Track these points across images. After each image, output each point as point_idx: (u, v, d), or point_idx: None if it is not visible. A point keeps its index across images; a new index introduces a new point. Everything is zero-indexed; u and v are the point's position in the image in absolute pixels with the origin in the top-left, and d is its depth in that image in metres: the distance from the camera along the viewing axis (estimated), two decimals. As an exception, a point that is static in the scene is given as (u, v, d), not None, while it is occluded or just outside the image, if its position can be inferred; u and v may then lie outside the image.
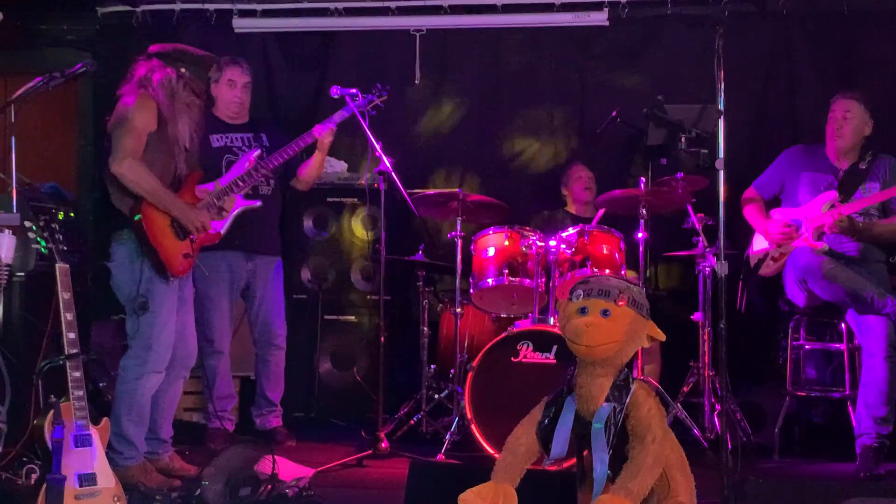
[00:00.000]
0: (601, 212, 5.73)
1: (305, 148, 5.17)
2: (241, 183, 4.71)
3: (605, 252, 5.06)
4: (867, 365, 4.74)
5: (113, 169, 4.13)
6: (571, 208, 6.07)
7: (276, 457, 4.02)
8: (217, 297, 5.19)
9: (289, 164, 5.20)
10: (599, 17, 6.26)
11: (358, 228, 6.17)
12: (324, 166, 5.42)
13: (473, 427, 4.69)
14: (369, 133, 5.05)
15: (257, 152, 4.92)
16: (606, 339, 2.98)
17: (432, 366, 5.60)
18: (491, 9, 6.37)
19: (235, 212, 4.67)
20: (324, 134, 5.14)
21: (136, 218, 4.15)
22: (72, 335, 3.56)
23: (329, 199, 6.14)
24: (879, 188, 4.96)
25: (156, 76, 4.24)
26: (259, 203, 4.86)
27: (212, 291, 5.15)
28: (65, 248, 3.66)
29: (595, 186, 5.98)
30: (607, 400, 3.00)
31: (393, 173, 5.04)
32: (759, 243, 5.23)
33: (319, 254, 6.17)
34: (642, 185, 5.22)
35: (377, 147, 5.03)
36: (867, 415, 4.66)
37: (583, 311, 3.03)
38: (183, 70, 4.28)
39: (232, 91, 5.28)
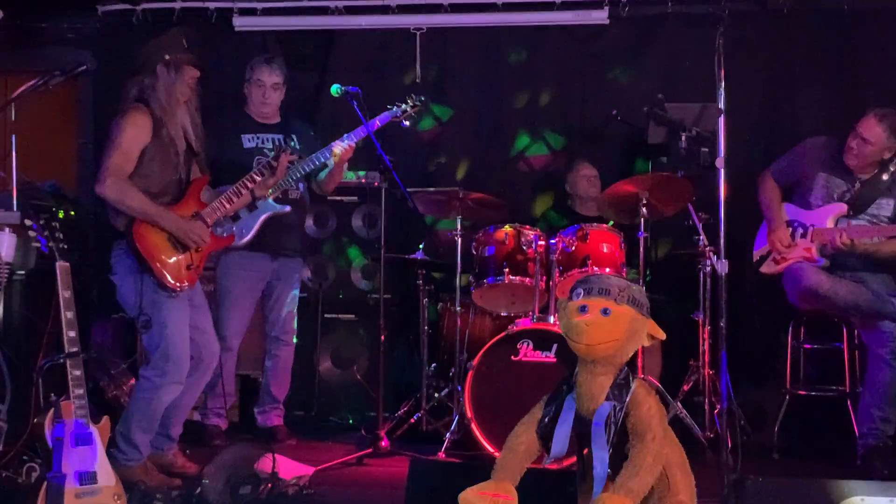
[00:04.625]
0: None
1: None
2: (257, 177, 4.52)
3: (605, 250, 5.06)
4: (872, 366, 4.74)
5: (96, 190, 4.11)
6: (576, 206, 6.06)
7: (276, 455, 4.02)
8: (238, 295, 5.20)
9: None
10: (600, 16, 6.27)
11: (358, 227, 6.16)
12: (342, 176, 5.42)
13: (473, 426, 4.70)
14: (371, 132, 5.05)
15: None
16: (606, 338, 2.98)
17: (432, 364, 5.61)
18: (491, 7, 6.37)
19: (264, 217, 4.64)
20: (343, 151, 5.13)
21: (130, 236, 4.11)
22: (72, 333, 3.55)
23: (329, 198, 6.13)
24: (893, 205, 4.92)
25: (147, 82, 4.21)
26: (288, 209, 4.85)
27: (234, 288, 5.18)
28: (65, 246, 3.64)
29: (599, 184, 5.99)
30: (607, 398, 3.00)
31: (394, 172, 5.04)
32: (763, 237, 5.20)
33: (320, 252, 6.17)
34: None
35: (378, 145, 5.03)
36: (870, 415, 4.68)
37: (583, 309, 3.02)
38: (167, 57, 4.21)
39: (259, 90, 5.28)
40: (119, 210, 4.14)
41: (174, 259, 4.20)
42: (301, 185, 5.31)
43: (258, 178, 4.49)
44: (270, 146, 5.23)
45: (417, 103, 5.21)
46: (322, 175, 5.33)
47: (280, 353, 5.41)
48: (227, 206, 4.40)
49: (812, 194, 5.06)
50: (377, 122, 5.15)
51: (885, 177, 4.93)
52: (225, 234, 4.46)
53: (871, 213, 4.92)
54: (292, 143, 5.25)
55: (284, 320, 5.40)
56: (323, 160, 5.10)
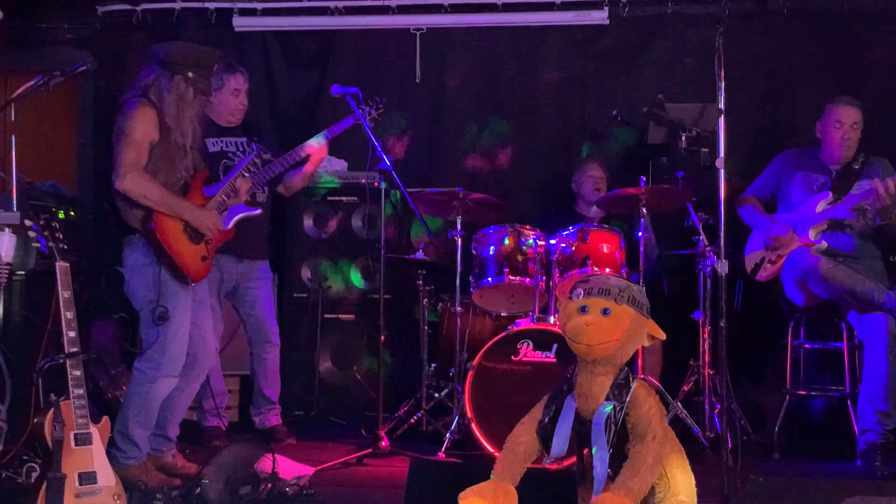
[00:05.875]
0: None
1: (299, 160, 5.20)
2: (245, 174, 4.59)
3: (605, 251, 5.06)
4: (869, 361, 4.75)
5: (117, 185, 4.12)
6: (578, 206, 6.06)
7: (276, 455, 4.02)
8: (206, 294, 5.18)
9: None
10: (600, 16, 6.27)
11: (358, 227, 6.16)
12: (312, 176, 5.43)
13: (473, 426, 4.70)
14: (370, 132, 5.06)
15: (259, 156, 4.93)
16: (607, 338, 2.99)
17: (432, 364, 5.61)
18: (491, 7, 6.37)
19: (236, 217, 4.64)
20: (319, 149, 5.16)
21: (150, 227, 4.14)
22: (72, 334, 3.55)
23: (329, 198, 6.14)
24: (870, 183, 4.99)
25: (163, 83, 4.20)
26: (259, 211, 4.82)
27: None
28: (65, 246, 3.64)
29: (605, 186, 5.97)
30: (607, 398, 3.00)
31: (393, 172, 5.04)
32: (753, 247, 5.25)
33: (319, 253, 6.16)
34: (642, 184, 5.23)
35: (377, 146, 5.04)
36: (870, 410, 4.68)
37: (583, 309, 3.03)
38: (191, 74, 4.23)
39: (237, 99, 5.25)
40: (137, 204, 4.15)
41: (191, 251, 4.25)
42: (266, 188, 5.31)
43: (247, 175, 4.55)
44: (234, 149, 5.23)
45: (380, 106, 5.23)
46: (292, 175, 5.32)
47: (267, 356, 5.40)
48: (226, 199, 4.46)
49: (792, 193, 5.17)
50: (336, 129, 5.19)
51: (855, 166, 5.09)
52: (229, 222, 4.51)
53: (853, 194, 5.01)
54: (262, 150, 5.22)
55: (267, 322, 5.40)
56: (297, 159, 5.13)
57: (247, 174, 4.55)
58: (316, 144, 5.17)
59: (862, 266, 4.93)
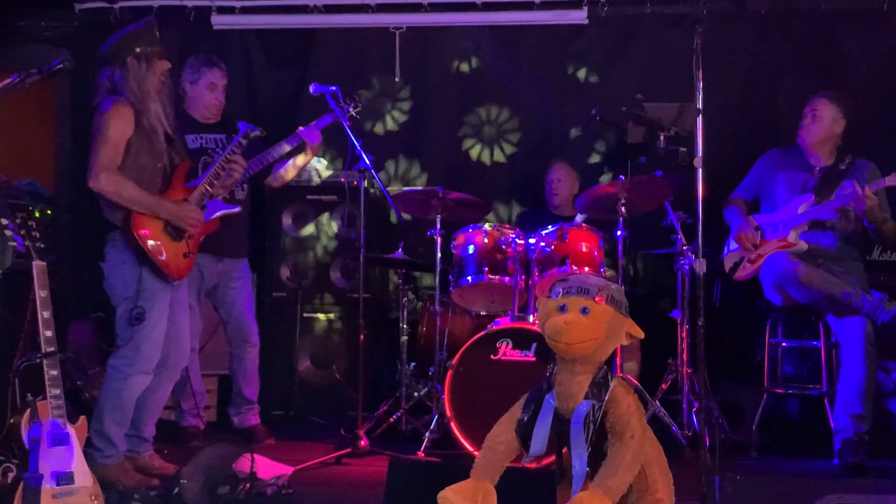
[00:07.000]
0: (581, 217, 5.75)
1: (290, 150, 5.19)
2: (224, 167, 4.54)
3: (584, 250, 5.06)
4: (845, 363, 4.77)
5: (90, 185, 4.13)
6: (551, 206, 6.07)
7: (254, 455, 4.01)
8: (186, 297, 5.16)
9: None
10: (579, 16, 6.28)
11: (337, 226, 6.15)
12: (303, 166, 5.43)
13: (453, 425, 4.70)
14: (349, 131, 5.05)
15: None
16: (585, 337, 2.99)
17: (412, 364, 5.60)
18: (471, 6, 6.37)
19: (216, 214, 4.62)
20: (313, 136, 5.16)
21: (129, 230, 4.13)
22: (49, 333, 3.53)
23: (308, 197, 6.13)
24: (855, 184, 5.00)
25: (117, 76, 4.21)
26: (238, 209, 4.79)
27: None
28: (42, 245, 3.63)
29: (567, 186, 5.99)
30: (586, 397, 3.01)
31: (373, 171, 5.03)
32: (734, 245, 5.28)
33: (299, 251, 6.15)
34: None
35: (357, 144, 5.03)
36: (844, 413, 4.70)
37: (562, 308, 3.03)
38: (138, 50, 4.23)
39: (212, 94, 5.25)
40: (114, 203, 4.15)
41: (172, 249, 4.24)
42: (245, 186, 5.29)
43: (232, 159, 4.53)
44: (213, 146, 5.21)
45: (359, 104, 5.24)
46: (283, 166, 5.33)
47: (246, 355, 5.39)
48: (210, 189, 4.44)
49: (776, 193, 5.18)
50: (316, 126, 5.18)
51: (842, 167, 5.09)
52: (209, 218, 4.47)
53: (838, 195, 5.01)
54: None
55: (246, 321, 5.39)
56: (290, 148, 5.14)
57: (233, 159, 4.52)
58: (309, 134, 5.16)
59: (842, 268, 4.95)
